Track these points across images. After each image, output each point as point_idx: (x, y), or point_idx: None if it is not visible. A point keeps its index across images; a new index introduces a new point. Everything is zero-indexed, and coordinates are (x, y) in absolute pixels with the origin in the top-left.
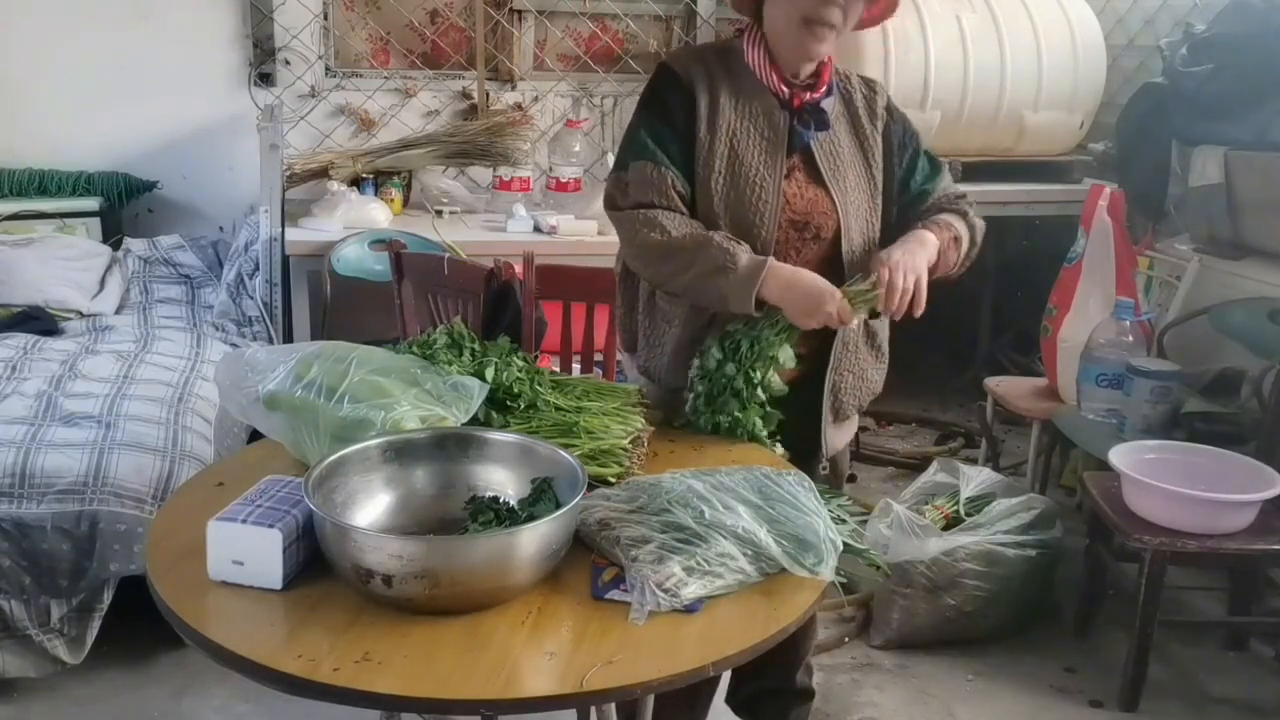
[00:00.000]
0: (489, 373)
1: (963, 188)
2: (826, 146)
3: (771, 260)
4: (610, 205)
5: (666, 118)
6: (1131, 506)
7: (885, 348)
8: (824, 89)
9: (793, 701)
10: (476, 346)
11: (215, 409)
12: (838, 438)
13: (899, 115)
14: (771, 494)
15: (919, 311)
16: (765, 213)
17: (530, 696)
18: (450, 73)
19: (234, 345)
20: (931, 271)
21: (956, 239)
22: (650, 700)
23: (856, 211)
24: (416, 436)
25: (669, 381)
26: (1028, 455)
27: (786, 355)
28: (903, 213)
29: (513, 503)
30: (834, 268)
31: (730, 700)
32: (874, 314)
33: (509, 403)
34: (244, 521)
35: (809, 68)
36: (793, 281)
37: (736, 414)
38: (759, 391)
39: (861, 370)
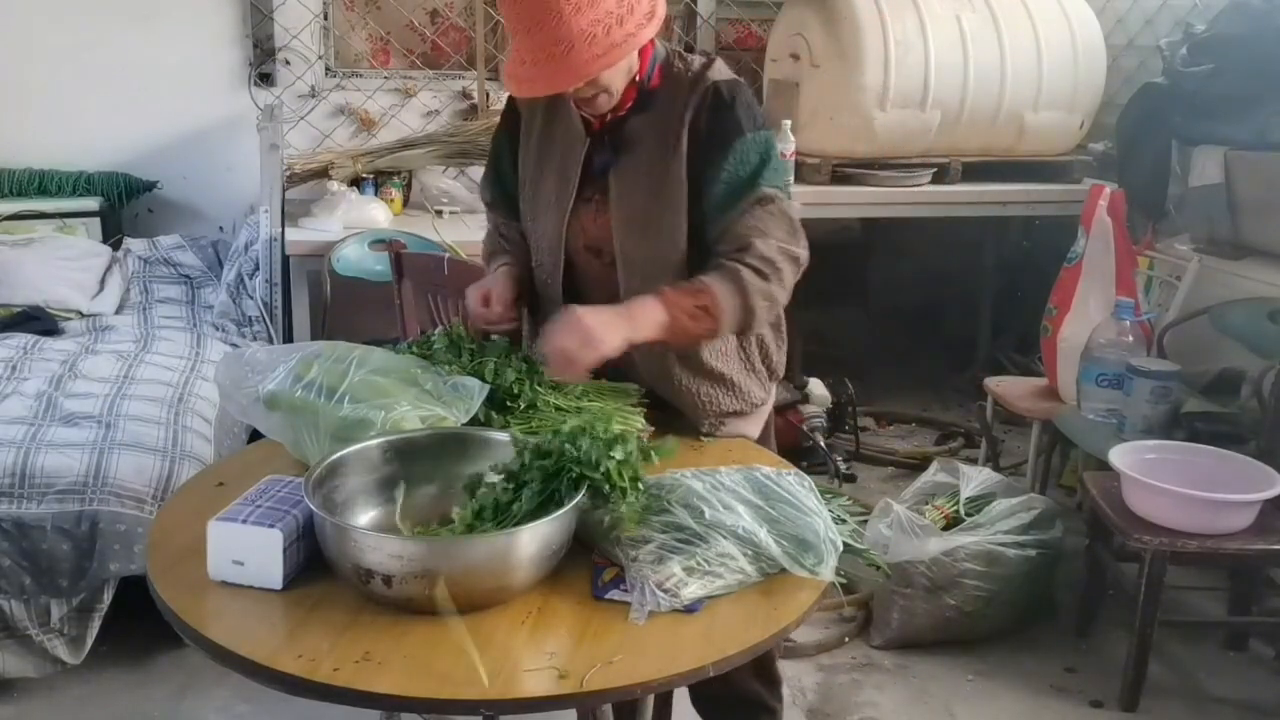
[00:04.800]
0: (488, 372)
1: (773, 246)
2: (625, 167)
3: (502, 269)
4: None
5: (504, 139)
6: (1131, 506)
7: (720, 367)
8: (628, 105)
9: (750, 713)
10: (474, 347)
11: (215, 409)
12: None
13: (727, 104)
14: (771, 494)
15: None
16: (551, 241)
17: (530, 696)
18: (450, 73)
19: (234, 345)
20: (668, 342)
21: (706, 308)
22: (650, 700)
23: (641, 232)
24: (416, 436)
25: None
26: (1028, 455)
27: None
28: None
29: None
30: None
31: (694, 703)
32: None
33: (509, 403)
34: (244, 521)
35: None
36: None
37: None
38: None
39: (687, 390)
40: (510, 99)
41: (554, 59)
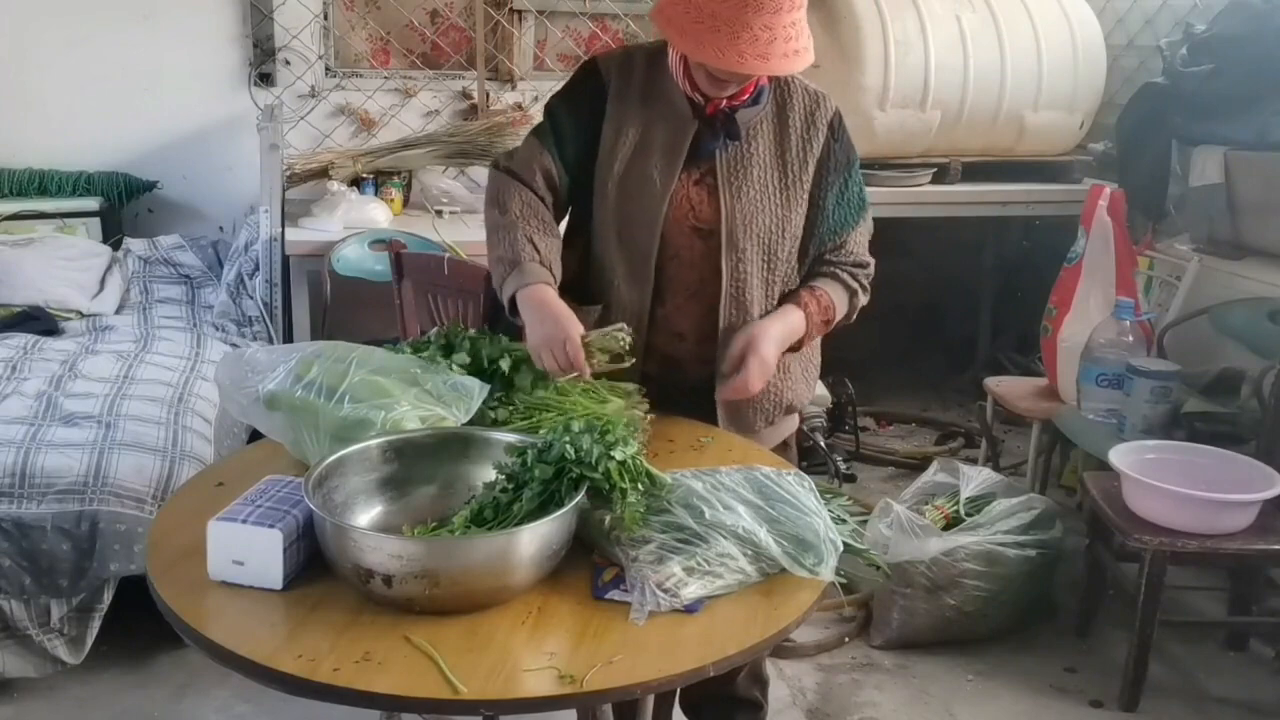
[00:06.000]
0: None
1: (869, 258)
2: (736, 155)
3: (541, 285)
4: (493, 162)
5: (575, 109)
6: (1131, 506)
7: (790, 361)
8: (745, 97)
9: (736, 711)
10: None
11: (215, 409)
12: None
13: (844, 139)
14: (771, 494)
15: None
16: (649, 219)
17: (530, 696)
18: (450, 73)
19: (234, 345)
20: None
21: (828, 323)
22: (650, 700)
23: (747, 223)
24: (416, 436)
25: None
26: (1028, 455)
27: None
28: (830, 233)
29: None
30: (739, 277)
31: (681, 702)
32: (618, 358)
33: (515, 381)
34: (244, 521)
35: None
36: (539, 309)
37: None
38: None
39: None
40: (592, 71)
41: (754, 41)
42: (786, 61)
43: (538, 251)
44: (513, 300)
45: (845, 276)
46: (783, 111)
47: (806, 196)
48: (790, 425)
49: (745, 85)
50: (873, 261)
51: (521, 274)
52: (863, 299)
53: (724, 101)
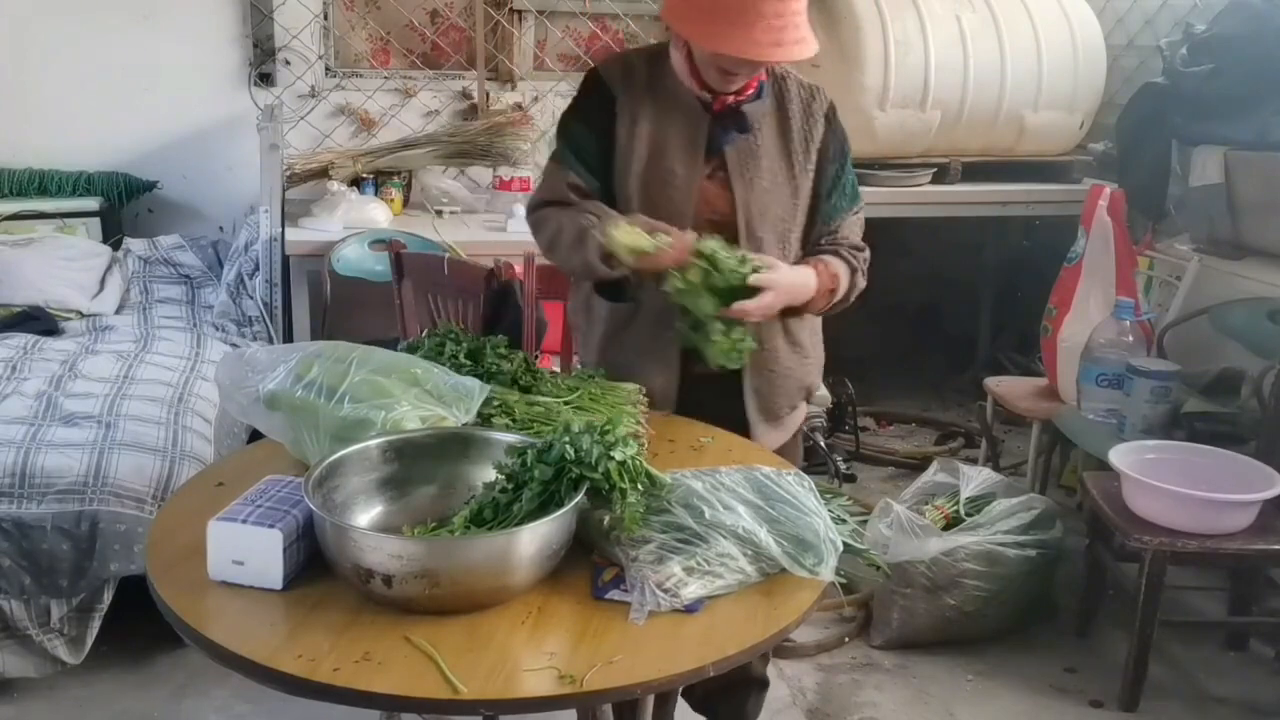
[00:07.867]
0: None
1: (864, 245)
2: (744, 149)
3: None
4: (527, 208)
5: (586, 120)
6: (1131, 506)
7: (808, 343)
8: (749, 92)
9: (748, 691)
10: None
11: (215, 409)
12: (773, 438)
13: (839, 129)
14: (771, 494)
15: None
16: (677, 213)
17: (530, 696)
18: (450, 73)
19: (234, 345)
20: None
21: (833, 291)
22: (650, 700)
23: (762, 212)
24: (416, 436)
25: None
26: (1028, 455)
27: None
28: (824, 221)
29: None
30: None
31: (686, 696)
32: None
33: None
34: (244, 521)
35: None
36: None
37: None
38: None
39: (786, 370)
40: (596, 81)
41: (768, 29)
42: (798, 48)
43: (603, 209)
44: (606, 262)
45: (846, 255)
46: (782, 105)
47: (811, 185)
48: (803, 414)
49: (751, 79)
50: (868, 248)
51: (594, 233)
52: (861, 281)
53: (730, 98)
